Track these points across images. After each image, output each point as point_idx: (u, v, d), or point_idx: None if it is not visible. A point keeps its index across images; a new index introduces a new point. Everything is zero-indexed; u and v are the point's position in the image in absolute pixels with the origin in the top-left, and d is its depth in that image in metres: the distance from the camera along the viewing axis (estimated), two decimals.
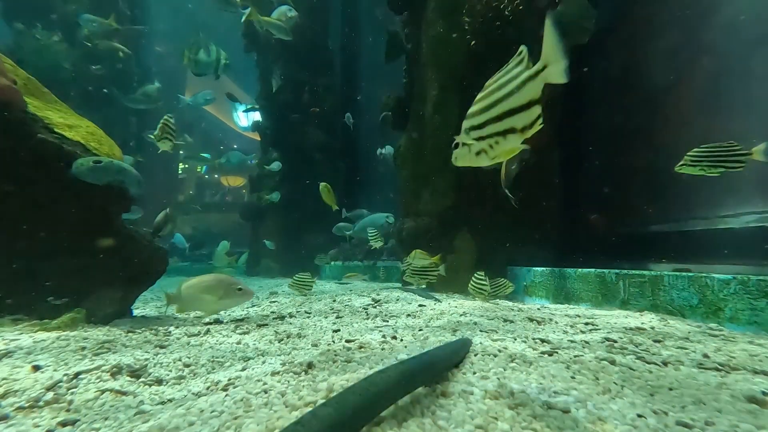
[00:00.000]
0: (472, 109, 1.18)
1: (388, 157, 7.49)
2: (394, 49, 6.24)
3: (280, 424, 0.99)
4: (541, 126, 1.10)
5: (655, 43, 4.27)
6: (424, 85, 5.32)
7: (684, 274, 2.94)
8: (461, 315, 2.97)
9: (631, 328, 2.43)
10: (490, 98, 1.13)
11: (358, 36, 12.58)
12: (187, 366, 1.80)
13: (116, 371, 1.65)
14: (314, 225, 10.23)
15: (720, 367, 1.61)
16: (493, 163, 1.24)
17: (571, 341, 2.06)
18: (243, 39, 11.53)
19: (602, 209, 4.81)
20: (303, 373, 1.49)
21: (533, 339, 2.06)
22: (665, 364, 1.65)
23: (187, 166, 23.70)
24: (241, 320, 3.09)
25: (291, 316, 3.25)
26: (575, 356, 1.71)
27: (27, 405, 1.32)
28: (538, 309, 3.39)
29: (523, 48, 1.12)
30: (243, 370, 1.69)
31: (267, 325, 2.83)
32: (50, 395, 1.39)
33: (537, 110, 1.07)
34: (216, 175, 26.22)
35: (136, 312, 3.43)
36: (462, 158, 1.25)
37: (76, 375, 1.57)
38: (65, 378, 1.53)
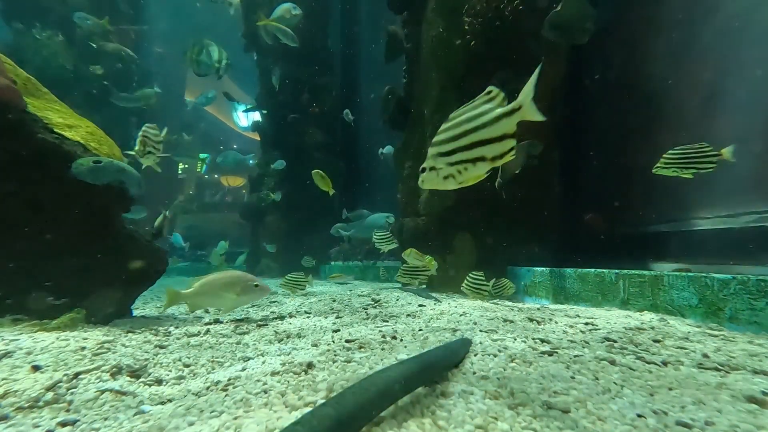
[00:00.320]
0: (440, 137, 1.28)
1: (389, 157, 7.49)
2: (394, 49, 6.24)
3: (280, 424, 0.99)
4: (513, 157, 1.23)
5: (655, 42, 4.27)
6: (424, 85, 5.33)
7: (684, 274, 2.94)
8: (461, 315, 2.97)
9: (630, 328, 2.43)
10: (459, 128, 1.24)
11: (357, 36, 12.58)
12: (187, 366, 1.80)
13: (116, 371, 1.65)
14: (314, 225, 10.23)
15: (720, 367, 1.61)
16: (460, 187, 1.36)
17: (571, 341, 2.06)
18: (243, 39, 11.54)
19: (602, 209, 4.81)
20: (303, 373, 1.49)
21: (533, 339, 2.06)
22: (665, 364, 1.65)
23: (186, 166, 23.70)
24: (241, 320, 3.09)
25: (291, 316, 3.25)
26: (575, 356, 1.71)
27: (27, 405, 1.32)
28: (538, 309, 3.40)
29: (493, 88, 1.25)
30: (243, 370, 1.69)
31: (267, 325, 2.83)
32: (50, 395, 1.39)
33: (511, 143, 1.20)
34: (216, 175, 26.22)
35: (135, 312, 3.43)
36: (429, 181, 1.35)
37: (76, 375, 1.57)
38: (65, 378, 1.53)
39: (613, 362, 1.63)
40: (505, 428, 0.99)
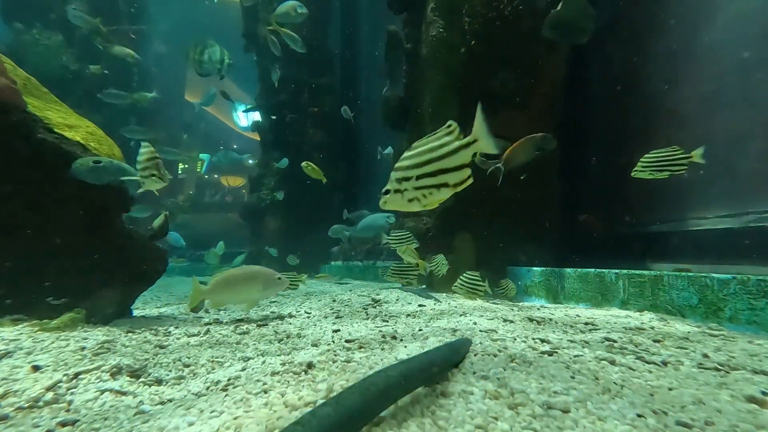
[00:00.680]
0: (404, 163, 1.43)
1: (389, 157, 7.49)
2: (394, 49, 6.24)
3: (280, 424, 0.99)
4: (471, 183, 1.41)
5: (655, 42, 4.27)
6: (423, 85, 5.33)
7: (684, 274, 2.94)
8: (461, 315, 2.97)
9: (630, 328, 2.44)
10: (424, 156, 1.40)
11: (357, 36, 12.58)
12: (187, 366, 1.80)
13: (116, 371, 1.65)
14: (314, 225, 10.23)
15: (720, 367, 1.61)
16: (424, 209, 1.50)
17: (571, 341, 2.06)
18: (243, 39, 11.54)
19: (602, 209, 4.81)
20: (303, 373, 1.49)
21: (533, 339, 2.06)
22: (665, 363, 1.65)
23: (186, 166, 23.71)
24: (241, 320, 3.09)
25: (291, 316, 3.25)
26: (575, 356, 1.71)
27: (27, 405, 1.32)
28: (538, 309, 3.40)
29: (452, 122, 1.40)
30: (243, 370, 1.69)
31: (267, 324, 2.83)
32: (50, 395, 1.39)
33: (467, 172, 1.39)
34: (216, 176, 26.22)
35: (135, 312, 3.42)
36: (392, 203, 1.48)
37: (76, 375, 1.57)
38: (65, 378, 1.53)
39: (613, 362, 1.63)
40: (505, 428, 0.99)
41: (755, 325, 2.46)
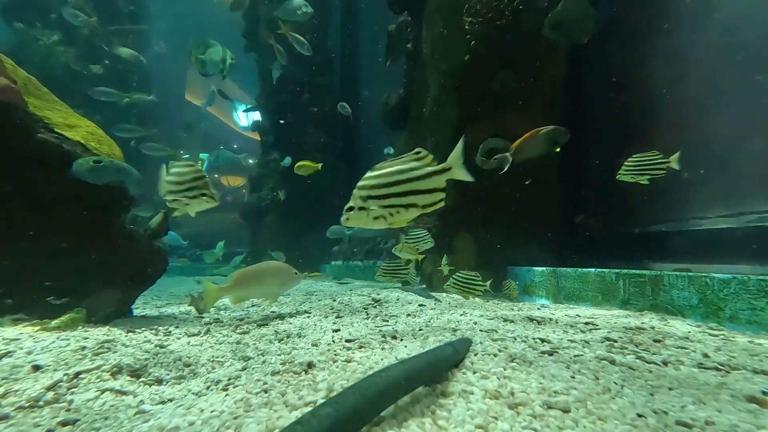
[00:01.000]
0: (370, 182, 1.48)
1: (389, 158, 7.49)
2: (395, 49, 6.24)
3: (281, 424, 0.99)
4: (443, 205, 1.49)
5: (655, 42, 4.27)
6: (423, 85, 5.33)
7: (684, 273, 2.94)
8: (461, 315, 2.97)
9: (631, 328, 2.43)
10: (393, 177, 1.45)
11: (357, 36, 12.57)
12: (187, 366, 1.80)
13: (116, 371, 1.65)
14: (314, 225, 10.24)
15: (720, 367, 1.61)
16: (390, 226, 1.57)
17: (571, 341, 2.06)
18: (243, 39, 11.54)
19: (602, 209, 4.81)
20: (303, 372, 1.49)
21: (533, 338, 2.06)
22: (665, 363, 1.65)
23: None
24: (241, 320, 3.09)
25: (291, 315, 3.25)
26: (575, 356, 1.71)
27: (27, 405, 1.32)
28: (538, 309, 3.39)
29: (421, 149, 1.48)
30: (243, 369, 1.69)
31: (267, 324, 2.83)
32: (50, 395, 1.39)
33: (440, 195, 1.47)
34: (216, 175, 26.22)
35: (136, 312, 3.43)
36: (356, 220, 1.53)
37: (77, 375, 1.57)
38: (65, 378, 1.53)
39: (613, 362, 1.63)
40: (505, 428, 0.99)
41: (755, 325, 2.46)
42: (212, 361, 1.87)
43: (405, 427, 0.98)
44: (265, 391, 1.27)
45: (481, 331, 2.29)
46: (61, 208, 2.70)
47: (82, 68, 10.31)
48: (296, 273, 3.01)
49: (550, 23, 4.01)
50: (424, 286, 5.22)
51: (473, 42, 4.60)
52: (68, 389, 1.46)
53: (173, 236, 9.03)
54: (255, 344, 2.21)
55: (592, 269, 3.62)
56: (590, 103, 5.05)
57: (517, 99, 4.62)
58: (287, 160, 9.42)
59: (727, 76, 3.59)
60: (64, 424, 1.20)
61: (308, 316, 3.16)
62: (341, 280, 8.10)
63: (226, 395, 1.28)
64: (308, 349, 1.99)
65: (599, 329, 2.41)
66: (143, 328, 2.61)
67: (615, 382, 1.36)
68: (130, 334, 2.40)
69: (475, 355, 1.65)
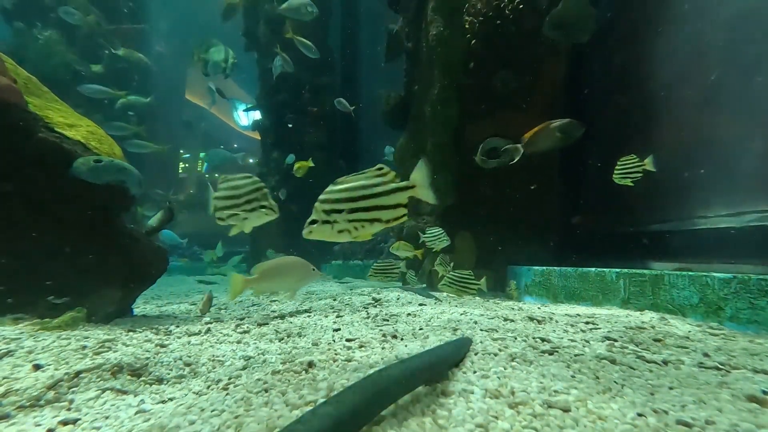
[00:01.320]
0: (333, 196, 1.53)
1: (389, 158, 7.50)
2: (395, 49, 6.24)
3: (281, 423, 0.99)
4: (406, 220, 1.59)
5: (655, 41, 4.26)
6: (424, 84, 5.32)
7: (684, 273, 2.94)
8: (461, 314, 2.97)
9: (631, 327, 2.43)
10: (357, 192, 1.51)
11: (357, 35, 12.57)
12: (188, 365, 1.80)
13: (117, 370, 1.66)
14: None
15: (720, 366, 1.61)
16: (354, 240, 1.59)
17: (572, 340, 2.06)
18: (243, 38, 11.54)
19: (602, 209, 4.81)
20: (303, 372, 1.49)
21: (534, 338, 2.06)
22: (666, 363, 1.65)
23: (187, 165, 23.74)
24: (242, 319, 3.10)
25: (291, 315, 3.25)
26: (576, 355, 1.71)
27: (28, 404, 1.33)
28: (539, 308, 3.39)
29: (383, 165, 1.55)
30: (243, 369, 1.69)
31: (267, 324, 2.83)
32: (51, 394, 1.39)
33: (403, 211, 1.53)
34: (216, 174, 26.21)
35: (136, 311, 3.43)
36: (319, 233, 1.55)
37: (77, 374, 1.57)
38: (66, 377, 1.53)
39: (613, 361, 1.63)
40: (506, 427, 0.99)
41: (756, 324, 2.46)
42: (213, 361, 1.87)
43: (405, 426, 0.98)
44: (266, 391, 1.27)
45: (481, 330, 2.29)
46: (62, 207, 2.71)
47: (83, 68, 10.31)
48: (314, 269, 3.13)
49: (551, 23, 4.01)
50: (424, 285, 5.22)
51: (473, 41, 4.59)
52: (69, 388, 1.47)
53: (171, 235, 9.01)
54: (255, 343, 2.21)
55: (593, 268, 3.62)
56: (591, 103, 5.04)
57: (517, 99, 4.62)
58: (290, 158, 9.43)
59: (728, 75, 3.58)
60: (65, 423, 1.20)
61: (308, 316, 3.16)
62: (341, 280, 8.11)
63: (227, 394, 1.28)
64: (309, 348, 1.99)
65: (599, 328, 2.41)
66: (144, 328, 2.61)
67: (615, 382, 1.36)
68: (130, 333, 2.40)
69: (476, 354, 1.65)
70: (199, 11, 17.05)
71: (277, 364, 1.69)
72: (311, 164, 6.59)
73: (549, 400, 1.15)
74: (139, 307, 3.85)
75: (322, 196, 1.55)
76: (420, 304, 3.60)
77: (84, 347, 1.96)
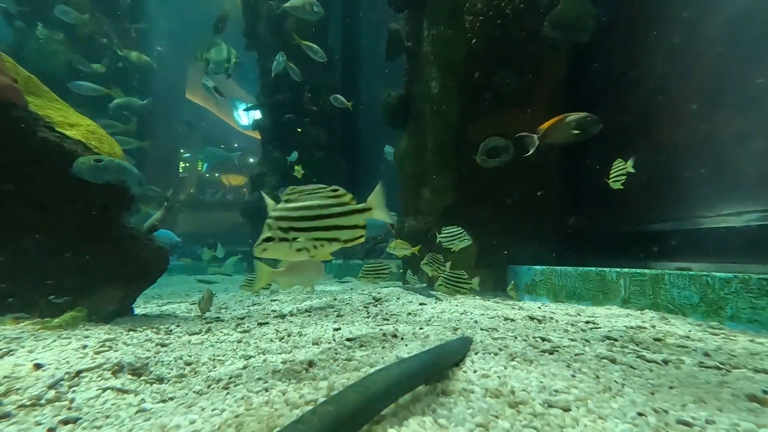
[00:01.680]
0: (290, 213, 1.51)
1: (390, 157, 7.49)
2: (395, 48, 6.23)
3: (281, 422, 0.99)
4: (363, 240, 1.59)
5: (656, 40, 4.26)
6: (424, 84, 5.32)
7: (685, 272, 2.94)
8: (462, 314, 2.98)
9: (631, 327, 2.43)
10: (315, 211, 1.52)
11: (358, 34, 12.55)
12: (188, 364, 1.81)
13: (117, 369, 1.66)
14: None
15: (721, 366, 1.61)
16: (311, 258, 1.61)
17: (572, 340, 2.06)
18: (243, 38, 11.53)
19: (603, 208, 4.80)
20: (304, 371, 1.50)
21: (534, 337, 2.06)
22: (666, 362, 1.65)
23: (188, 164, 23.75)
24: (242, 318, 3.10)
25: (292, 314, 3.25)
26: (576, 354, 1.71)
27: (29, 403, 1.33)
28: (539, 307, 3.40)
29: (338, 188, 1.57)
30: (244, 368, 1.70)
31: (268, 323, 2.84)
32: (52, 393, 1.40)
33: (361, 232, 1.57)
34: (216, 174, 26.23)
35: (137, 310, 3.43)
36: (275, 251, 1.53)
37: (78, 373, 1.57)
38: (67, 376, 1.54)
39: (613, 361, 1.63)
40: (506, 427, 0.99)
41: (756, 324, 2.46)
42: (213, 360, 1.87)
43: (405, 426, 0.98)
44: (266, 390, 1.27)
45: (481, 329, 2.29)
46: (63, 207, 2.71)
47: (85, 67, 10.30)
48: (322, 265, 3.35)
49: (551, 22, 4.00)
50: (425, 284, 5.22)
51: (474, 41, 4.59)
52: (70, 388, 1.47)
53: (167, 234, 8.95)
54: (256, 343, 2.21)
55: (593, 268, 3.62)
56: (591, 102, 5.03)
57: (517, 98, 4.61)
58: (294, 155, 9.43)
59: (729, 73, 3.58)
60: (65, 422, 1.20)
61: (309, 315, 3.16)
62: (342, 279, 8.11)
63: (227, 394, 1.28)
64: (309, 347, 1.99)
65: (600, 328, 2.41)
66: (144, 327, 2.61)
67: (615, 381, 1.36)
68: (131, 332, 2.41)
69: (476, 353, 1.65)
70: (199, 10, 17.03)
71: (278, 363, 1.69)
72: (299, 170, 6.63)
73: (549, 399, 1.15)
74: (140, 307, 3.86)
75: (276, 213, 1.52)
76: (420, 304, 3.60)
77: (85, 346, 1.96)
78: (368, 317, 2.94)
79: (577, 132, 3.26)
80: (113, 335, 2.27)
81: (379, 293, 4.43)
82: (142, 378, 1.63)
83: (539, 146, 3.55)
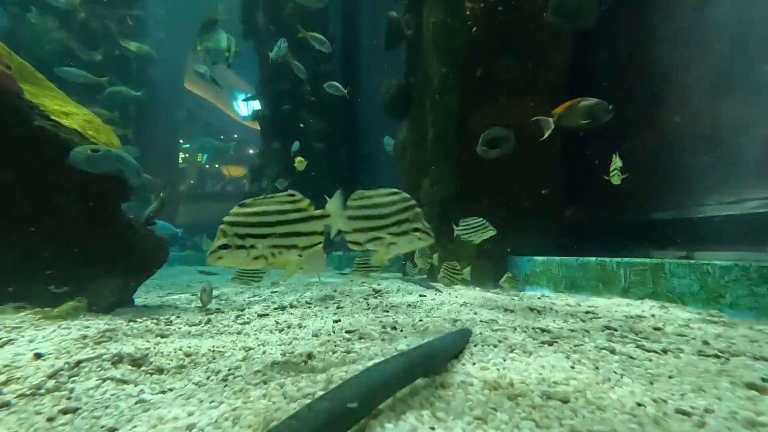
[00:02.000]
0: (247, 219, 1.45)
1: (389, 148, 7.44)
2: (395, 36, 6.14)
3: (278, 416, 0.99)
4: (320, 248, 1.56)
5: (660, 26, 4.18)
6: (424, 73, 5.25)
7: (685, 261, 2.93)
8: (461, 305, 2.98)
9: (631, 316, 2.43)
10: (274, 217, 1.47)
11: (358, 22, 12.37)
12: (188, 355, 1.81)
13: (117, 360, 1.66)
14: None
15: (720, 354, 1.60)
16: (268, 267, 1.56)
17: (572, 330, 2.06)
18: (241, 25, 11.37)
19: (605, 197, 4.77)
20: (303, 363, 1.50)
21: (533, 329, 2.06)
22: (665, 351, 1.65)
23: (187, 155, 23.65)
24: (242, 310, 3.11)
25: (292, 306, 3.26)
26: (575, 345, 1.71)
27: (29, 392, 1.33)
28: (539, 298, 3.40)
29: (295, 192, 1.53)
30: (243, 360, 1.70)
31: (268, 315, 2.84)
32: (52, 383, 1.40)
33: (319, 238, 1.53)
34: (216, 165, 26.16)
35: (137, 301, 3.44)
36: (232, 259, 1.46)
37: (78, 363, 1.58)
38: (66, 366, 1.54)
39: (613, 351, 1.63)
40: (505, 419, 0.99)
41: (756, 311, 2.46)
42: (213, 351, 1.87)
43: (403, 420, 0.97)
44: (264, 383, 1.27)
45: (481, 321, 2.29)
46: (60, 196, 2.69)
47: (84, 55, 10.18)
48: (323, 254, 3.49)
49: (553, 7, 3.93)
50: (425, 276, 5.23)
51: (474, 28, 4.51)
52: (69, 377, 1.47)
53: (165, 225, 8.92)
54: (256, 334, 2.22)
55: (593, 258, 3.61)
56: (595, 89, 4.97)
57: (519, 86, 4.55)
58: (296, 145, 9.36)
59: (733, 60, 3.52)
60: (65, 412, 1.21)
61: (309, 307, 3.17)
62: (342, 271, 8.12)
63: (226, 386, 1.28)
64: (308, 339, 1.99)
65: (599, 318, 2.41)
66: (144, 318, 2.62)
67: (615, 372, 1.36)
68: (131, 323, 2.41)
69: (475, 345, 1.65)
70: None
71: (277, 355, 1.69)
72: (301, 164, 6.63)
73: (548, 391, 1.15)
74: (141, 297, 3.86)
75: (230, 218, 1.45)
76: (420, 295, 3.61)
77: (85, 337, 1.97)
78: (368, 309, 2.95)
79: (587, 119, 3.21)
80: (113, 326, 2.27)
81: (379, 285, 4.44)
82: (142, 369, 1.63)
83: (541, 134, 3.53)
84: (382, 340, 1.84)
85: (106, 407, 1.25)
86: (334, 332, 2.10)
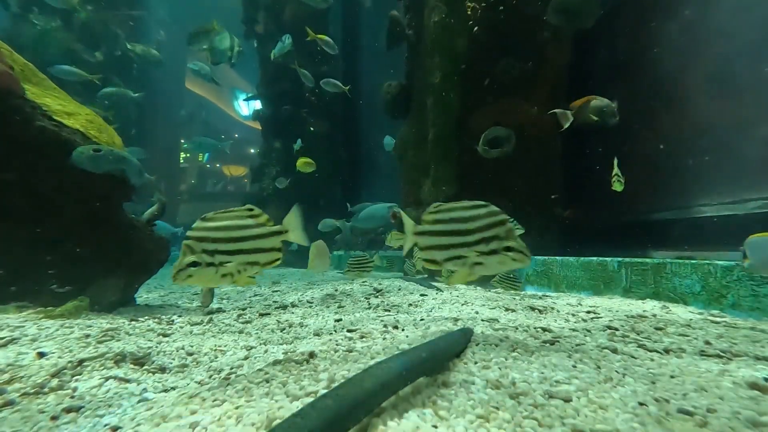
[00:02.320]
0: (214, 234, 1.42)
1: (389, 148, 7.44)
2: (396, 36, 6.14)
3: (281, 414, 0.99)
4: (279, 264, 1.54)
5: (660, 27, 4.18)
6: (425, 73, 5.25)
7: (687, 261, 2.93)
8: (463, 304, 2.98)
9: (633, 316, 2.43)
10: (238, 232, 1.45)
11: (359, 22, 12.37)
12: (190, 354, 1.81)
13: (120, 359, 1.67)
14: (315, 215, 10.22)
15: (722, 354, 1.60)
16: (233, 284, 1.55)
17: (573, 330, 2.06)
18: (243, 25, 11.38)
19: (605, 197, 4.77)
20: (305, 362, 1.50)
21: (535, 328, 2.06)
22: (667, 351, 1.65)
23: (189, 155, 23.67)
24: (244, 309, 3.11)
25: (293, 305, 3.26)
26: (577, 345, 1.71)
27: (32, 391, 1.34)
28: (540, 298, 3.40)
29: (253, 207, 1.51)
30: (245, 359, 1.70)
31: (269, 314, 2.85)
32: (55, 382, 1.41)
33: (278, 255, 1.52)
34: (218, 165, 26.17)
35: (139, 300, 3.45)
36: (201, 278, 1.43)
37: (81, 362, 1.58)
38: (69, 365, 1.55)
39: (614, 350, 1.63)
40: (507, 418, 0.99)
41: (758, 311, 2.46)
42: (215, 350, 1.88)
43: (405, 418, 0.97)
44: (267, 381, 1.27)
45: (482, 320, 2.29)
46: (63, 196, 2.70)
47: (89, 56, 10.19)
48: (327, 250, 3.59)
49: (554, 8, 3.93)
50: (426, 275, 5.23)
51: (476, 28, 4.51)
52: (72, 376, 1.48)
53: (165, 226, 8.90)
54: (257, 333, 2.22)
55: (595, 258, 3.61)
56: (595, 90, 4.97)
57: (520, 86, 4.56)
58: (298, 143, 9.36)
59: (732, 61, 3.51)
60: (68, 410, 1.21)
61: (310, 306, 3.17)
62: (343, 270, 8.12)
63: (228, 384, 1.29)
64: (310, 338, 2.00)
65: (601, 318, 2.41)
66: (146, 317, 2.63)
67: (616, 371, 1.36)
68: (133, 322, 2.42)
69: (477, 344, 1.65)
70: None
71: (279, 354, 1.69)
72: (310, 167, 6.66)
73: (550, 390, 1.15)
74: (142, 297, 3.87)
75: (197, 234, 1.40)
76: (421, 295, 3.61)
77: (87, 336, 1.97)
78: (369, 308, 2.95)
79: (595, 117, 3.22)
80: (116, 325, 2.28)
81: (380, 284, 4.44)
82: (145, 367, 1.64)
83: (542, 134, 3.53)
84: (384, 338, 1.84)
85: (109, 406, 1.26)
86: (335, 331, 2.10)
